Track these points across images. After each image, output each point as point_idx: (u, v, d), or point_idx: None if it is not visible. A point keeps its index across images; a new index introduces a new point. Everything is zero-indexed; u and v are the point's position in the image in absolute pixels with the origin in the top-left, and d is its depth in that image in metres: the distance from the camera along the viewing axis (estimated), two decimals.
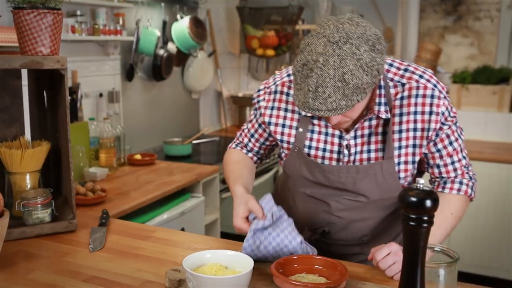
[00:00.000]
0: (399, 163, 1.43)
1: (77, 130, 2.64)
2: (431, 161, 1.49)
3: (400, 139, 1.42)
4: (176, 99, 3.78)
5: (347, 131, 1.45)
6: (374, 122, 1.43)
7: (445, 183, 1.51)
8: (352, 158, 1.45)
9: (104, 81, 3.06)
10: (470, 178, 1.52)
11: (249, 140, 1.66)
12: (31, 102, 1.85)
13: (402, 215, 1.00)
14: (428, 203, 0.96)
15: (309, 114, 1.42)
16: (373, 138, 1.44)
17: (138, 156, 3.06)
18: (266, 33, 4.09)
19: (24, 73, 1.80)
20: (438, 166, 1.49)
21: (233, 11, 4.36)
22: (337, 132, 1.46)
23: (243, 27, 4.22)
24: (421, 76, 1.41)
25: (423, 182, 0.98)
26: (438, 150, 1.45)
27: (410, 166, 1.44)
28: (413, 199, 0.97)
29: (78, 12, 2.71)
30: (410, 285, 1.00)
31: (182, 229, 2.65)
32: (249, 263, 1.21)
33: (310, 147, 1.49)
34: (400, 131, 1.41)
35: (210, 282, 1.14)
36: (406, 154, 1.43)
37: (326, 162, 1.48)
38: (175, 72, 3.67)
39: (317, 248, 1.47)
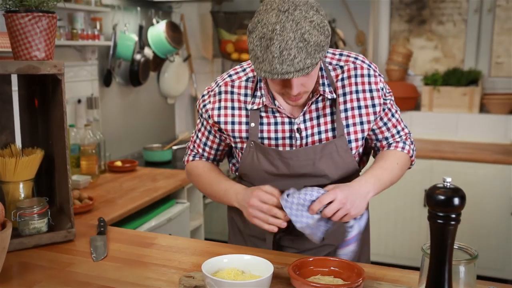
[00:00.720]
0: (349, 141, 1.52)
1: None
2: (379, 136, 1.61)
3: (346, 118, 1.50)
4: (153, 104, 3.74)
5: (295, 116, 1.50)
6: (320, 105, 1.50)
7: (389, 144, 1.63)
8: (304, 141, 1.51)
9: (82, 87, 2.99)
10: (411, 142, 1.66)
11: (203, 150, 1.68)
12: (21, 108, 1.78)
13: (429, 213, 1.01)
14: (456, 201, 0.98)
15: (255, 107, 1.49)
16: (322, 120, 1.50)
17: (118, 163, 3.01)
18: (240, 37, 4.09)
19: (14, 78, 1.74)
20: (386, 138, 1.62)
21: (206, 15, 4.34)
22: (286, 120, 1.50)
23: (217, 32, 4.20)
24: (356, 58, 1.53)
25: (450, 180, 1.00)
26: (385, 124, 1.59)
27: (360, 143, 1.54)
28: (441, 197, 0.98)
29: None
30: (438, 282, 1.01)
31: (170, 235, 2.61)
32: (268, 267, 1.20)
33: (262, 138, 1.53)
34: (346, 110, 1.50)
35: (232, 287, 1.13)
36: (355, 132, 1.51)
37: (280, 148, 1.52)
38: (151, 77, 3.63)
39: (283, 246, 1.58)
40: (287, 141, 1.52)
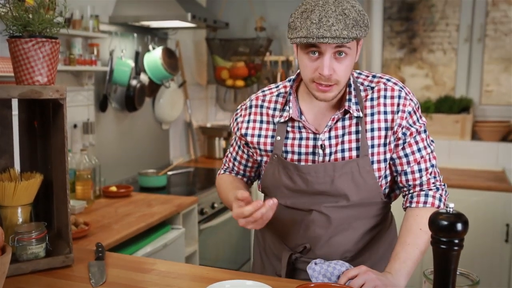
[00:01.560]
0: (372, 162, 1.49)
1: None
2: (399, 168, 1.53)
3: (372, 138, 1.49)
4: (148, 130, 3.75)
5: (320, 131, 1.50)
6: (347, 123, 1.49)
7: (412, 197, 1.55)
8: (327, 158, 1.50)
9: (78, 112, 3.00)
10: (437, 189, 1.54)
11: (233, 164, 1.75)
12: (21, 133, 1.79)
13: (432, 238, 1.02)
14: (459, 226, 0.99)
15: (282, 120, 1.52)
16: (346, 138, 1.49)
17: (113, 188, 3.00)
18: (235, 64, 4.13)
19: (15, 102, 1.75)
20: (405, 173, 1.53)
21: (201, 42, 4.39)
22: (311, 135, 1.51)
23: (212, 58, 4.24)
24: (388, 80, 1.52)
25: (452, 205, 1.01)
26: (406, 155, 1.51)
27: (382, 165, 1.51)
28: (444, 222, 1.00)
29: None
30: None
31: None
32: None
33: (286, 152, 1.54)
34: (372, 130, 1.49)
35: None
36: (379, 153, 1.50)
37: (302, 164, 1.52)
38: (146, 103, 3.65)
39: (298, 269, 1.56)
40: (310, 157, 1.52)
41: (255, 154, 1.63)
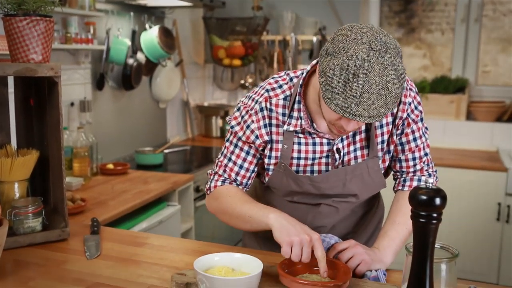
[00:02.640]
0: (381, 156, 1.52)
1: None
2: (394, 154, 1.55)
3: (382, 134, 1.49)
4: (145, 108, 3.77)
5: (333, 137, 1.47)
6: None
7: (404, 181, 1.58)
8: (341, 160, 1.50)
9: (75, 90, 3.02)
10: (430, 175, 1.58)
11: (237, 174, 1.55)
12: (17, 110, 1.82)
13: (412, 212, 1.06)
14: (438, 201, 1.03)
15: (291, 129, 1.45)
16: (357, 137, 1.49)
17: (110, 166, 3.04)
18: (232, 43, 4.14)
19: (11, 80, 1.77)
20: (399, 160, 1.56)
21: (198, 21, 4.39)
22: (325, 140, 1.48)
23: (209, 38, 4.25)
24: None
25: (432, 181, 1.05)
26: (402, 144, 1.52)
27: (387, 156, 1.53)
28: (423, 197, 1.03)
29: None
30: (420, 278, 1.06)
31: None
32: (258, 265, 1.24)
33: (299, 158, 1.50)
34: (381, 126, 1.48)
35: (223, 283, 1.17)
36: (386, 146, 1.51)
37: (315, 168, 1.51)
38: (143, 82, 3.66)
39: None
40: (323, 160, 1.50)
41: (263, 159, 1.55)
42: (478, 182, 3.52)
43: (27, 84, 1.80)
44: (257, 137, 1.49)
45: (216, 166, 1.59)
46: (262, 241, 1.66)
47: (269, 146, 1.51)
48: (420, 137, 1.53)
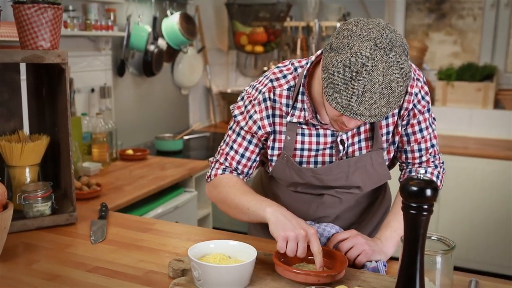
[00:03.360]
0: (386, 147, 1.49)
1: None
2: (399, 145, 1.52)
3: (387, 125, 1.46)
4: (166, 94, 3.80)
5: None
6: None
7: (410, 172, 1.55)
8: (345, 151, 1.48)
9: (96, 76, 3.07)
10: (436, 166, 1.55)
11: (239, 162, 1.54)
12: (29, 96, 1.86)
13: (403, 203, 1.04)
14: (428, 192, 1.01)
15: (295, 120, 1.43)
16: (362, 128, 1.47)
17: (130, 151, 3.08)
18: (255, 29, 4.12)
19: (23, 67, 1.81)
20: (405, 151, 1.53)
21: (221, 7, 4.38)
22: (328, 132, 1.47)
23: (231, 24, 4.24)
24: None
25: (423, 172, 1.03)
26: (407, 135, 1.49)
27: (392, 148, 1.51)
28: (414, 188, 1.01)
29: (70, 7, 2.71)
30: (410, 270, 1.04)
31: (176, 223, 2.67)
32: (252, 253, 1.24)
33: (302, 150, 1.48)
34: (387, 117, 1.45)
35: (215, 271, 1.17)
36: (391, 137, 1.49)
37: (319, 159, 1.49)
38: (165, 68, 3.69)
39: None
40: (327, 151, 1.49)
41: (266, 148, 1.54)
42: (501, 173, 3.44)
43: (39, 71, 1.83)
44: (259, 127, 1.48)
45: (218, 154, 1.58)
46: (266, 228, 1.66)
47: (272, 137, 1.49)
48: (427, 128, 1.49)
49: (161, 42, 3.52)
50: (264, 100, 1.46)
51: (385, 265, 1.37)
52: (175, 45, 3.61)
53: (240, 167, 1.55)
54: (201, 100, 4.29)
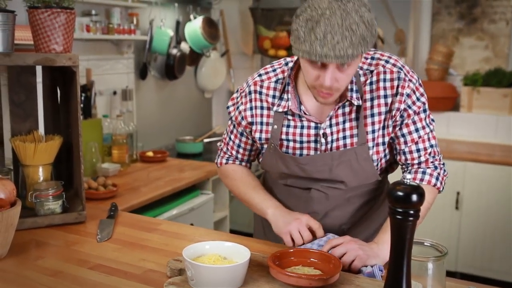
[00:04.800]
0: (372, 146, 1.49)
1: (90, 127, 2.71)
2: (397, 147, 1.53)
3: (373, 123, 1.48)
4: (189, 98, 3.85)
5: (321, 121, 1.50)
6: (347, 110, 1.48)
7: (409, 173, 1.52)
8: (329, 146, 1.50)
9: (118, 79, 3.13)
10: (436, 167, 1.54)
11: (237, 152, 1.69)
12: (45, 98, 1.92)
13: (389, 208, 1.04)
14: (414, 197, 1.01)
15: (280, 110, 1.51)
16: (347, 125, 1.49)
17: (150, 153, 3.13)
18: (278, 34, 4.13)
19: (39, 70, 1.87)
20: (404, 153, 1.53)
21: (246, 11, 4.41)
22: (312, 124, 1.50)
23: (256, 28, 4.27)
24: (387, 61, 1.48)
25: (410, 177, 1.03)
26: (403, 135, 1.50)
27: (381, 148, 1.50)
28: (400, 193, 1.01)
29: (93, 12, 2.78)
30: (396, 275, 1.04)
31: (191, 225, 2.70)
32: (246, 254, 1.26)
33: (287, 140, 1.53)
34: (372, 115, 1.48)
35: (207, 271, 1.19)
36: (378, 137, 1.49)
37: (304, 152, 1.53)
38: (188, 72, 3.74)
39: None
40: (312, 145, 1.52)
41: (255, 143, 1.63)
42: None
43: (54, 73, 1.89)
44: (242, 118, 1.59)
45: (222, 142, 1.74)
46: (268, 229, 1.68)
47: (258, 128, 1.57)
48: (424, 127, 1.50)
49: (184, 46, 3.58)
50: (249, 92, 1.57)
51: (381, 270, 1.36)
52: (197, 48, 3.66)
53: (239, 156, 1.70)
54: (224, 104, 4.32)
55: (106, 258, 1.45)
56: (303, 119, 1.51)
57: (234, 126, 1.64)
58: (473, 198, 3.50)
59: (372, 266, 1.36)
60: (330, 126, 1.49)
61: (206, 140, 3.60)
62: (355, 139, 1.49)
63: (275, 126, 1.53)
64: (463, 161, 3.52)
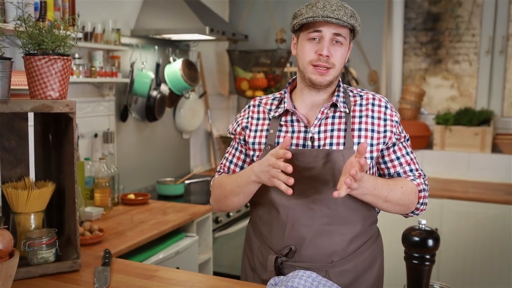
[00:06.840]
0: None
1: None
2: (392, 170, 1.70)
3: (359, 136, 1.63)
4: (168, 139, 3.84)
5: (311, 123, 1.65)
6: (336, 120, 1.65)
7: (398, 175, 1.72)
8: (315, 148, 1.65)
9: (99, 121, 3.11)
10: (423, 182, 1.69)
11: (229, 168, 1.84)
12: (36, 143, 1.89)
13: (405, 253, 1.06)
14: (430, 242, 1.03)
15: (277, 114, 1.67)
16: (335, 133, 1.64)
17: (131, 196, 3.09)
18: (255, 75, 4.20)
19: (31, 115, 1.85)
20: (398, 174, 1.70)
21: (222, 53, 4.48)
22: (302, 128, 1.66)
23: (232, 69, 4.33)
24: (375, 94, 1.71)
25: (425, 222, 1.05)
26: (398, 158, 1.69)
27: (368, 161, 1.62)
28: (416, 238, 1.04)
29: (76, 55, 2.78)
30: None
31: (177, 268, 2.66)
32: None
33: (278, 143, 1.66)
34: (360, 129, 1.64)
35: None
36: (370, 152, 1.64)
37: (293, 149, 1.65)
38: (167, 113, 3.75)
39: (282, 275, 1.58)
40: (300, 147, 1.65)
41: (248, 148, 1.75)
42: (503, 217, 3.45)
43: (46, 119, 1.87)
44: (238, 125, 1.77)
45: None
46: (254, 269, 1.76)
47: (251, 134, 1.72)
48: (412, 152, 1.72)
49: (164, 88, 3.59)
50: (249, 107, 1.79)
51: None
52: (177, 90, 3.67)
53: (230, 171, 1.83)
54: (202, 144, 4.33)
55: None
56: (294, 124, 1.67)
57: (231, 146, 1.83)
58: (451, 234, 3.56)
59: None
60: (319, 132, 1.64)
61: (187, 182, 3.58)
62: (341, 147, 1.61)
63: (271, 131, 1.68)
64: (440, 198, 3.60)
